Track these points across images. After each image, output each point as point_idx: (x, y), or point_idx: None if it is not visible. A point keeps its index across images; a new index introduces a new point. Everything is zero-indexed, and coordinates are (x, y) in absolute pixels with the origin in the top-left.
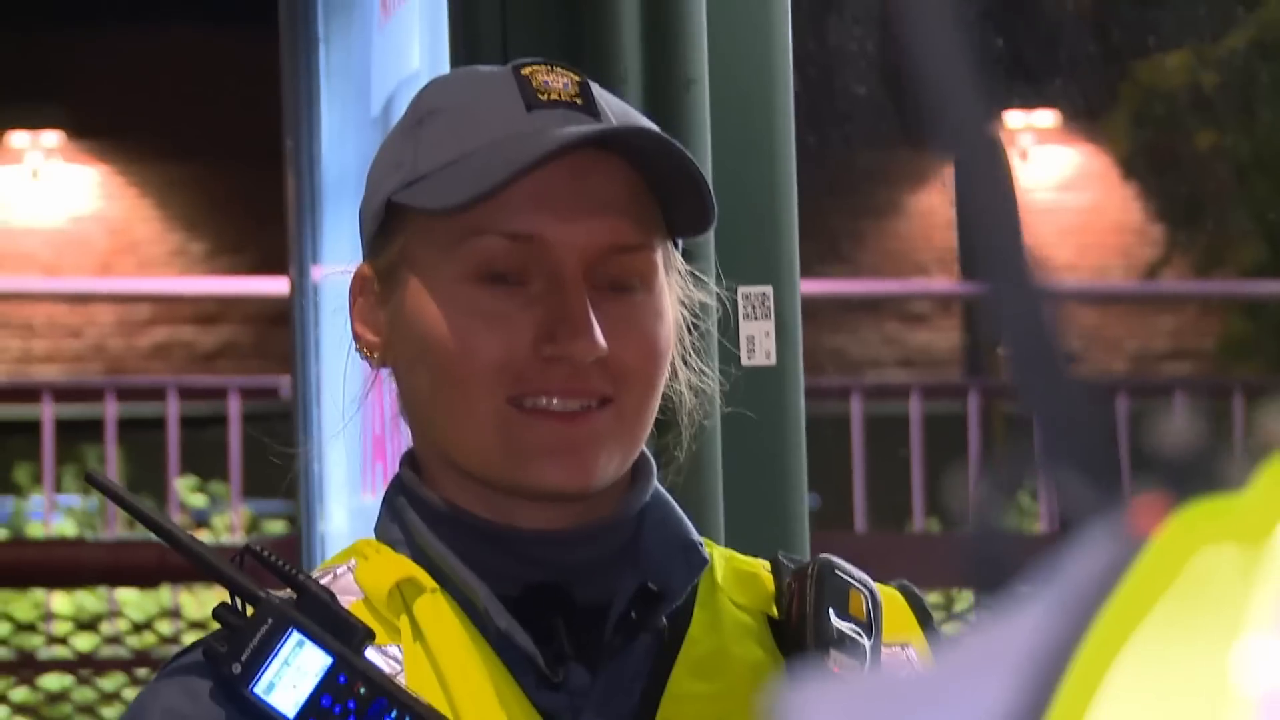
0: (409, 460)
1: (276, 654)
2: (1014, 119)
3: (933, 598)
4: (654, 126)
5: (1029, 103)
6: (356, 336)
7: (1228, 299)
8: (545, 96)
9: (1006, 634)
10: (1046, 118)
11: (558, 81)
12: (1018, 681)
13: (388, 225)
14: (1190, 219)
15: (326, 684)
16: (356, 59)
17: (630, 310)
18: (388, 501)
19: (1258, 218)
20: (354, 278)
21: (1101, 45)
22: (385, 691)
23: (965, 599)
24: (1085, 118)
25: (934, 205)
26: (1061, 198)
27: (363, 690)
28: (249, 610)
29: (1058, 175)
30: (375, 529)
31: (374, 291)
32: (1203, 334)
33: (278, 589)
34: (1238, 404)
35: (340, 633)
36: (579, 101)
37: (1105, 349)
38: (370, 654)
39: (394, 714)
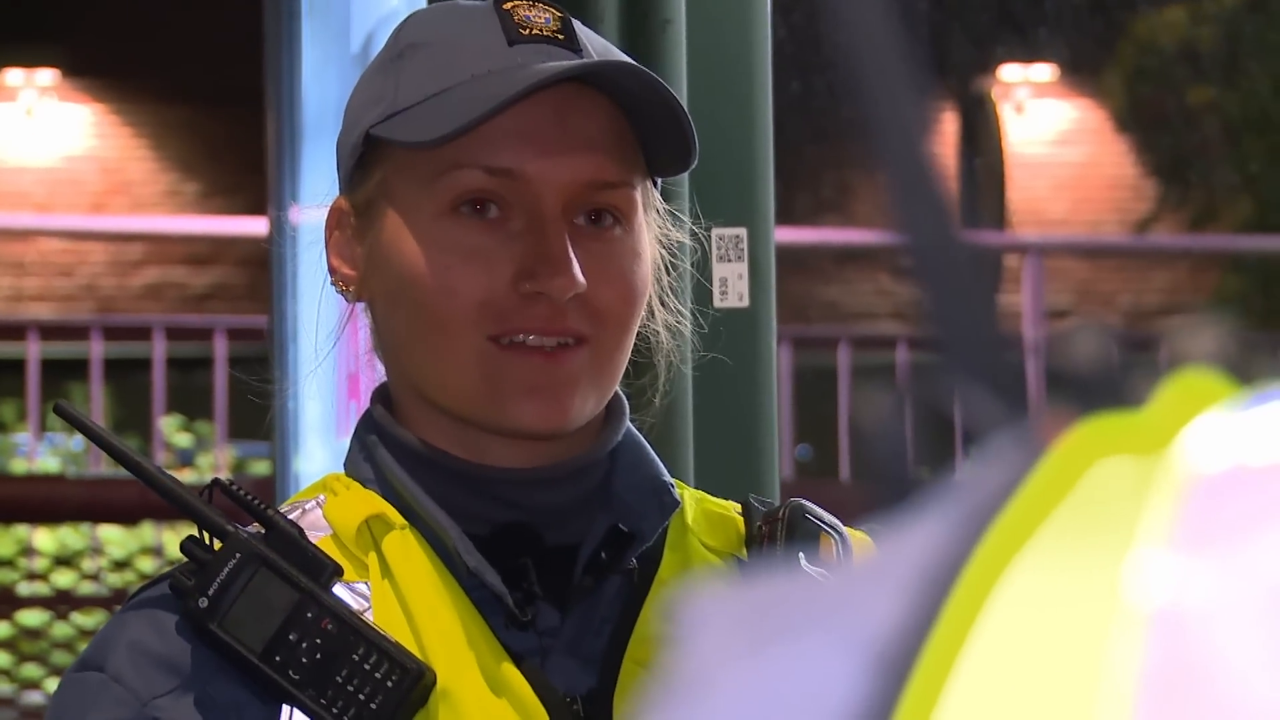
0: (381, 396)
1: (243, 589)
2: (1011, 73)
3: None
4: (636, 63)
5: (1026, 57)
6: (332, 270)
7: (1219, 255)
8: (527, 31)
9: (902, 546)
10: (1043, 72)
11: (539, 17)
12: (909, 593)
13: (366, 159)
14: (1182, 175)
15: (293, 619)
16: None
17: (609, 248)
18: (358, 437)
19: (1244, 174)
20: (330, 211)
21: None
22: (353, 628)
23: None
24: (1081, 72)
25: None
26: (1057, 152)
27: (330, 626)
28: (217, 545)
29: (1053, 130)
30: (345, 465)
31: (351, 225)
32: (1194, 289)
33: (246, 524)
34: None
35: (308, 568)
36: (560, 37)
37: (1098, 304)
38: (338, 590)
39: (362, 650)
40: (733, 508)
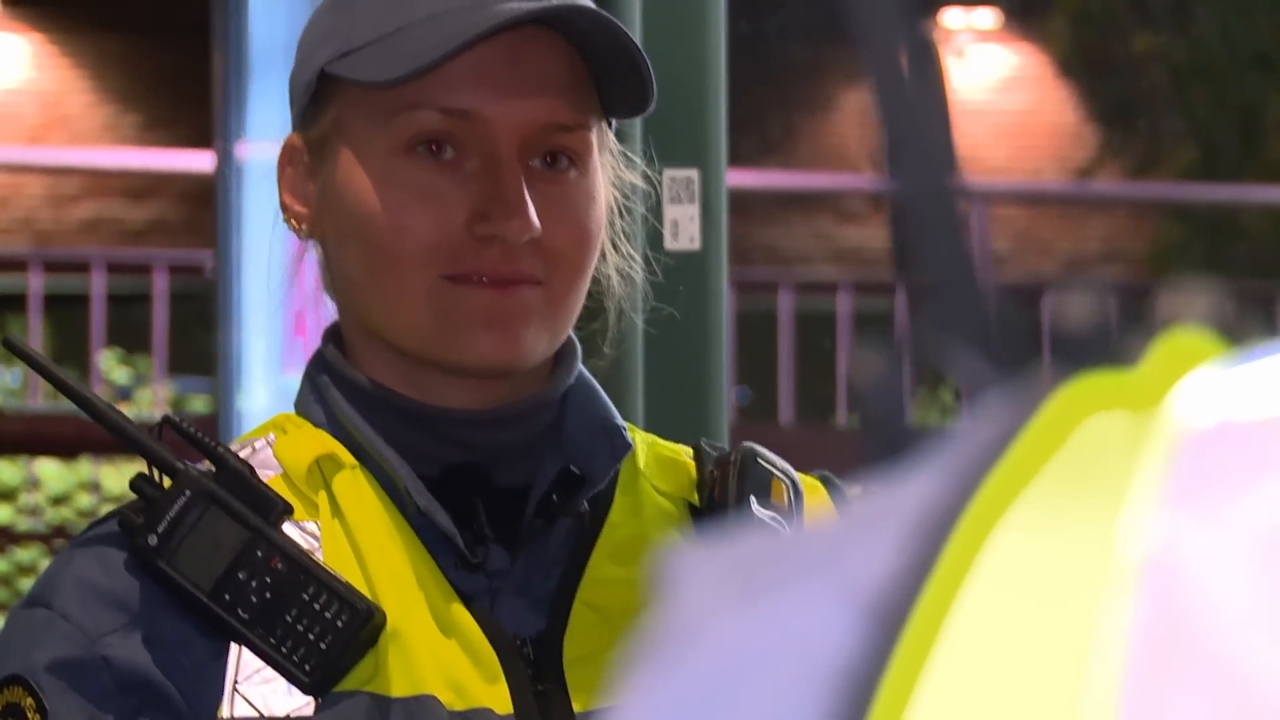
0: (332, 336)
1: (193, 527)
2: (953, 18)
3: (858, 490)
4: (592, 5)
5: (969, 1)
6: (284, 207)
7: (1160, 203)
8: None
9: (893, 500)
10: (986, 17)
11: None
12: (902, 545)
13: (320, 96)
14: (1124, 121)
15: (242, 558)
16: None
17: (564, 191)
18: (309, 377)
19: (1191, 121)
20: (283, 148)
21: None
22: (302, 567)
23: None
24: (1024, 17)
25: (869, 101)
26: (998, 99)
27: (279, 565)
28: (166, 482)
29: (995, 76)
30: (295, 404)
31: (304, 163)
32: (1134, 237)
33: (195, 461)
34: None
35: (258, 507)
36: None
37: (1036, 251)
38: (288, 529)
39: (311, 590)
40: (684, 451)
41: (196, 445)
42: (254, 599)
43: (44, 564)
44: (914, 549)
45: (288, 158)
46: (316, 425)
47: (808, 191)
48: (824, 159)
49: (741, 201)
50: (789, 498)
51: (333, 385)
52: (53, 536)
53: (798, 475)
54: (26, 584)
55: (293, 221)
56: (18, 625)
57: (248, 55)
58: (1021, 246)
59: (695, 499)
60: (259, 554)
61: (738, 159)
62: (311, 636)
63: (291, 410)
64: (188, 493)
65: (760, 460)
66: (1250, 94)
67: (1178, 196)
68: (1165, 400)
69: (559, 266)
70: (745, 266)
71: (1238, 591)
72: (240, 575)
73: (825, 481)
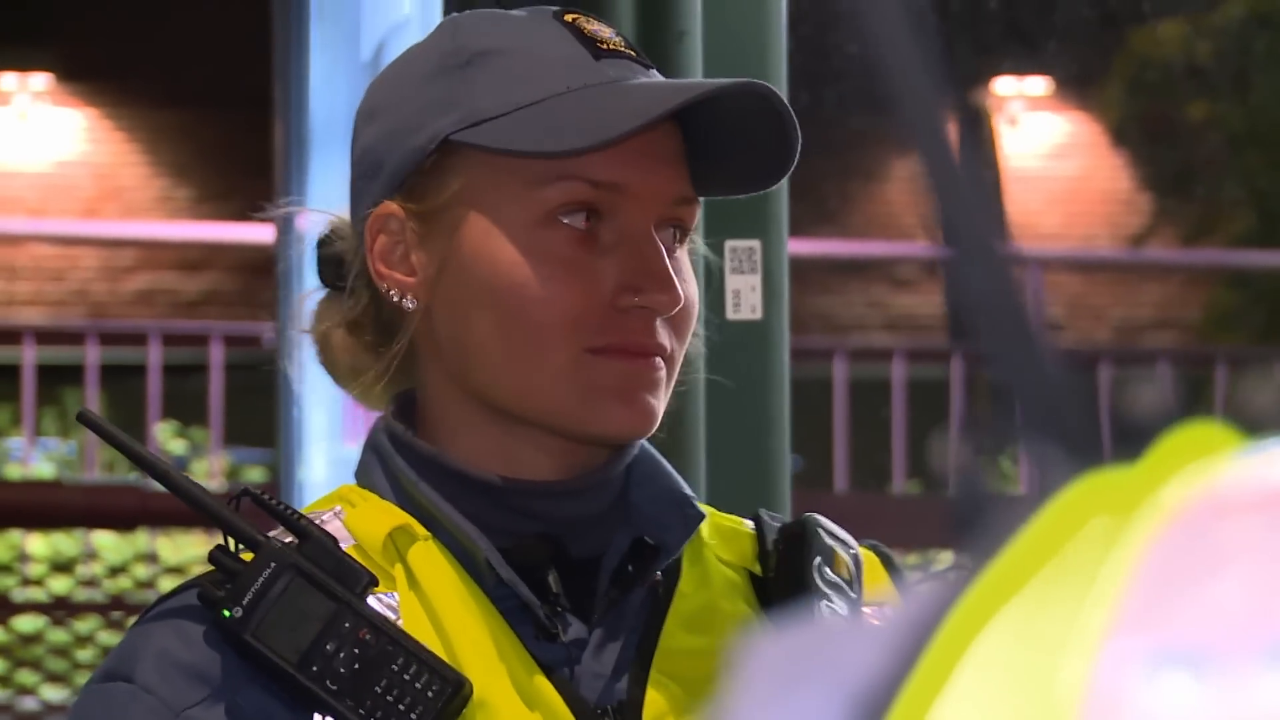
0: (399, 407)
1: (279, 598)
2: (1005, 85)
3: (911, 559)
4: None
5: (1021, 69)
6: (380, 276)
7: (1213, 269)
8: (604, 46)
9: (908, 599)
10: (1038, 85)
11: (604, 31)
12: (893, 646)
13: (439, 164)
14: (1179, 188)
15: (329, 630)
16: (347, 5)
17: (680, 264)
18: (374, 448)
19: (1249, 188)
20: (372, 218)
21: (1097, 11)
22: (391, 638)
23: (944, 560)
24: (1077, 85)
25: (918, 170)
26: (1050, 165)
27: (368, 636)
28: (244, 554)
29: (1047, 143)
30: (356, 475)
31: (409, 230)
32: (1188, 304)
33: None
34: (1221, 375)
35: (343, 578)
36: (634, 53)
37: (1089, 318)
38: (369, 601)
39: (401, 661)
40: (742, 522)
41: (278, 517)
42: (342, 670)
43: (102, 635)
44: (900, 650)
45: (379, 225)
46: (382, 497)
47: (863, 259)
48: (878, 227)
49: (797, 269)
50: (851, 568)
51: (397, 455)
52: (111, 608)
53: (858, 546)
54: (85, 655)
55: (395, 290)
56: (97, 700)
57: (308, 127)
58: (1074, 313)
59: (758, 569)
60: (346, 625)
61: (794, 228)
62: (402, 708)
63: (353, 481)
64: (273, 565)
65: (823, 530)
66: None
67: (1233, 262)
68: (1151, 500)
69: (681, 336)
70: (801, 334)
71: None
72: (328, 647)
73: (876, 551)
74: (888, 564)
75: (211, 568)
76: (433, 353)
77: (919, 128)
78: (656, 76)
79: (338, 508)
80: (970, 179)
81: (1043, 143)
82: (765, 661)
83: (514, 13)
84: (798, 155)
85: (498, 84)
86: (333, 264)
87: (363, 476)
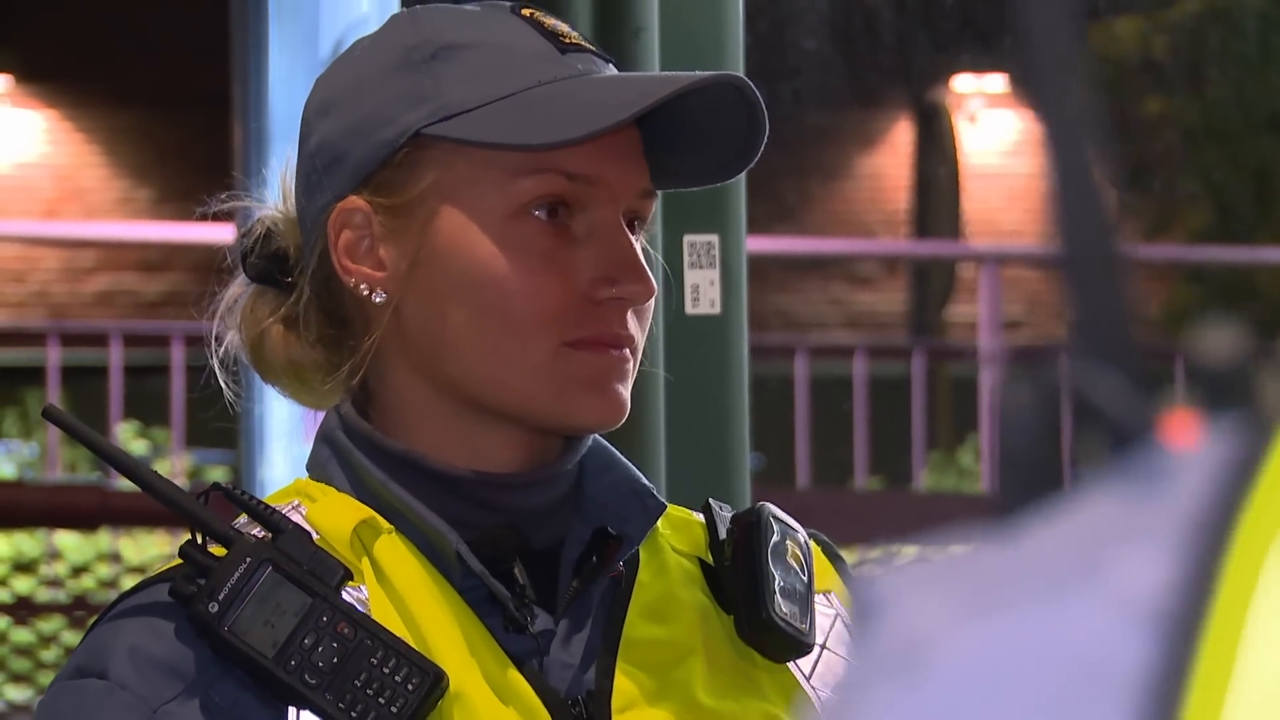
0: (353, 400)
1: (255, 593)
2: (964, 83)
3: (872, 554)
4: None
5: (979, 67)
6: (346, 271)
7: (1173, 265)
8: (566, 40)
9: (1143, 511)
10: (996, 82)
11: (562, 25)
12: (1174, 558)
13: (411, 158)
14: (1137, 184)
15: (306, 624)
16: (305, 4)
17: (641, 254)
18: (328, 441)
19: (1206, 183)
20: (335, 212)
21: None
22: (370, 631)
23: (905, 555)
24: None
25: (882, 166)
26: (1010, 162)
27: (345, 630)
28: (216, 549)
29: (1007, 140)
30: (309, 469)
31: (376, 224)
32: (1147, 299)
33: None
34: (1180, 370)
35: (319, 572)
36: (593, 48)
37: (1049, 314)
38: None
39: (380, 654)
40: (691, 513)
41: (250, 512)
42: (321, 664)
43: (66, 635)
44: (1191, 562)
45: (343, 220)
46: (340, 490)
47: (822, 256)
48: (836, 225)
49: (757, 267)
50: (803, 557)
51: (356, 449)
52: (74, 608)
53: (807, 535)
54: (49, 655)
55: (362, 286)
56: (69, 697)
57: (268, 126)
58: (1034, 309)
59: (709, 557)
60: (324, 619)
61: (753, 225)
62: (382, 700)
63: (305, 475)
64: (248, 559)
65: (775, 520)
66: (1264, 156)
67: (1191, 258)
68: None
69: (644, 326)
70: (761, 332)
71: None
72: (305, 641)
73: (817, 540)
74: (830, 554)
75: (177, 562)
76: (397, 346)
77: (1045, 116)
78: (615, 71)
79: (295, 501)
80: (1092, 179)
81: (1002, 140)
82: (942, 579)
83: (469, 7)
84: (762, 149)
85: (468, 77)
86: (275, 260)
87: (317, 470)
